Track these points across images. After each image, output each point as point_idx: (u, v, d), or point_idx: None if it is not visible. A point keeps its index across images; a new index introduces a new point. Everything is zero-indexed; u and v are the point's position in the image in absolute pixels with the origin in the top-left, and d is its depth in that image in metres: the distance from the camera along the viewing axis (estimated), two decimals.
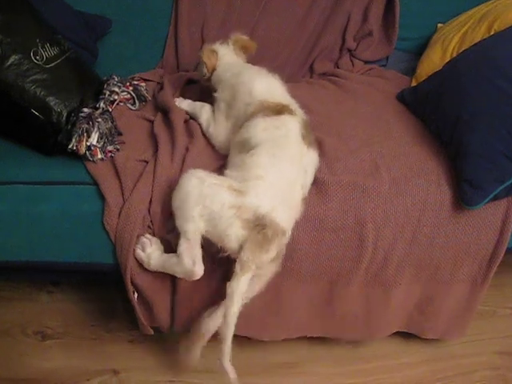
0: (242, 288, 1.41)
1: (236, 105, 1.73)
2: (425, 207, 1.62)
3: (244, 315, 1.44)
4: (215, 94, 1.82)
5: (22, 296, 2.11)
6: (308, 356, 1.93)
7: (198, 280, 1.50)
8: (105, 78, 1.97)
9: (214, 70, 1.88)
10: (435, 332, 1.90)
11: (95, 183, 1.63)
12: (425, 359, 1.95)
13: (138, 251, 1.56)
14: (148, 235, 1.58)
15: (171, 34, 2.34)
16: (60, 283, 2.16)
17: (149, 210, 1.60)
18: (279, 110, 1.61)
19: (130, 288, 1.60)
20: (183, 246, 1.46)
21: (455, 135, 1.69)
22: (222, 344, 1.41)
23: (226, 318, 1.41)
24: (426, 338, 1.93)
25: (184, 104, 1.92)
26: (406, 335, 1.95)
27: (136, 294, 1.63)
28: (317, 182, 1.61)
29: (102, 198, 1.60)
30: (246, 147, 1.56)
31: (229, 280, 1.43)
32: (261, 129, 1.58)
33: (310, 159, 1.61)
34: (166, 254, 1.53)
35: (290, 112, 1.63)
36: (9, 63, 1.63)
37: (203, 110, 1.84)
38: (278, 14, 2.29)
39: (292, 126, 1.59)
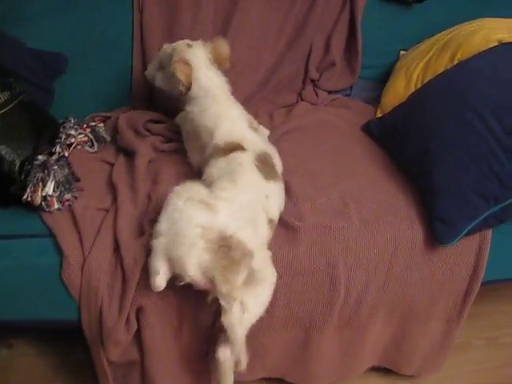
0: (238, 316, 1.35)
1: (199, 137, 1.70)
2: (397, 246, 1.58)
3: None
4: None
5: None
6: None
7: (164, 339, 1.51)
8: (61, 121, 1.89)
9: (190, 84, 1.73)
10: (411, 368, 1.86)
11: (52, 235, 1.55)
12: None
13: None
14: None
15: (136, 67, 2.23)
16: (21, 336, 2.05)
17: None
18: (230, 148, 1.58)
19: (105, 361, 1.56)
20: (151, 255, 1.40)
21: (423, 170, 1.66)
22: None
23: (235, 347, 1.37)
24: (401, 373, 1.88)
25: None
26: (382, 372, 1.90)
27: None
28: (284, 226, 1.56)
29: (60, 250, 1.52)
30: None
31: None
32: (215, 169, 1.56)
33: (270, 189, 1.55)
34: None
35: (242, 149, 1.59)
36: None
37: None
38: (241, 42, 2.21)
39: (243, 159, 1.56)
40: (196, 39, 1.92)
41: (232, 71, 1.98)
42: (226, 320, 1.34)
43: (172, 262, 1.37)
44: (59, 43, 2.18)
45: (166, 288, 1.41)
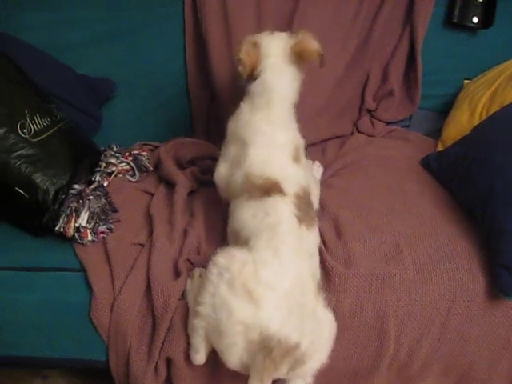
0: None
1: (233, 143, 1.53)
2: (455, 297, 1.43)
3: None
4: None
5: (13, 382, 1.94)
6: None
7: None
8: (102, 149, 1.84)
9: (254, 70, 1.49)
10: None
11: (83, 269, 1.48)
12: None
13: (189, 280, 1.44)
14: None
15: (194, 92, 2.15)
16: (56, 368, 1.98)
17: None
18: (267, 189, 1.38)
19: None
20: (191, 333, 1.33)
21: (488, 211, 1.49)
22: None
23: None
24: None
25: None
26: None
27: None
28: (330, 273, 1.43)
29: (90, 287, 1.45)
30: (241, 240, 1.37)
31: None
32: (250, 216, 1.37)
33: (311, 241, 1.40)
34: None
35: (280, 191, 1.38)
36: None
37: None
38: None
39: (283, 210, 1.36)
40: None
41: None
42: None
43: (214, 346, 1.30)
44: (108, 69, 2.17)
45: None
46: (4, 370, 1.96)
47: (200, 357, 1.35)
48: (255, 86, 1.50)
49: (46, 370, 1.98)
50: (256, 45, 1.49)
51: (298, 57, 1.50)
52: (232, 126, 1.54)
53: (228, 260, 1.27)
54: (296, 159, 1.48)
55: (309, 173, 1.58)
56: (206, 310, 1.27)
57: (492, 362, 1.49)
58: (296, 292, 1.27)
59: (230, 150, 1.54)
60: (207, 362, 1.38)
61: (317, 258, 1.42)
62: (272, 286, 1.25)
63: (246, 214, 1.39)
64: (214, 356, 1.36)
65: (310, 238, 1.40)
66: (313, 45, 1.49)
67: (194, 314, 1.32)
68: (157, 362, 1.39)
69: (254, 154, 1.44)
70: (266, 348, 1.20)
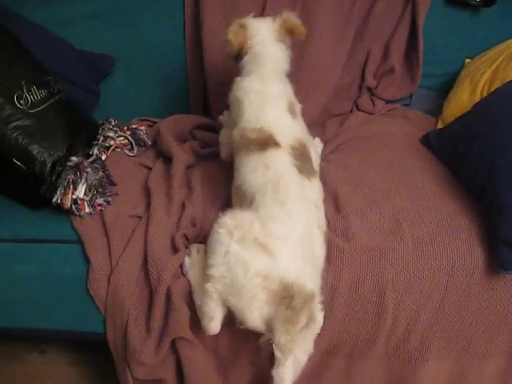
0: (290, 370, 1.23)
1: (232, 109, 1.56)
2: (454, 271, 1.42)
3: None
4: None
5: (11, 356, 1.94)
6: None
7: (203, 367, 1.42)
8: (100, 122, 1.82)
9: (242, 49, 1.56)
10: None
11: (81, 242, 1.47)
12: None
13: (186, 258, 1.43)
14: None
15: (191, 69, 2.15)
16: (54, 341, 1.97)
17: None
18: (263, 142, 1.40)
19: (130, 380, 1.46)
20: (204, 299, 1.30)
21: (489, 186, 1.49)
22: None
23: None
24: None
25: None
26: None
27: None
28: (329, 247, 1.42)
29: (88, 259, 1.44)
30: (245, 199, 1.37)
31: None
32: (249, 171, 1.39)
33: (315, 191, 1.43)
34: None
35: (276, 144, 1.40)
36: None
37: None
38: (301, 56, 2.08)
39: (282, 162, 1.38)
40: None
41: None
42: (277, 374, 1.22)
43: (231, 309, 1.27)
44: (108, 45, 2.15)
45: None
46: (2, 343, 1.96)
47: (215, 324, 1.31)
48: (246, 59, 1.56)
49: (43, 344, 1.98)
50: (243, 26, 1.55)
51: (289, 32, 1.57)
52: (230, 95, 1.57)
53: (235, 220, 1.29)
54: (291, 112, 1.50)
55: (306, 133, 1.57)
56: (219, 271, 1.26)
57: (490, 336, 1.49)
58: (306, 242, 1.30)
59: (230, 115, 1.58)
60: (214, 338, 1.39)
61: (322, 210, 1.43)
62: (283, 236, 1.27)
63: (247, 169, 1.40)
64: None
65: (313, 188, 1.42)
66: (298, 20, 1.58)
67: (205, 279, 1.30)
68: (159, 338, 1.39)
69: (247, 109, 1.47)
70: (288, 297, 1.20)
